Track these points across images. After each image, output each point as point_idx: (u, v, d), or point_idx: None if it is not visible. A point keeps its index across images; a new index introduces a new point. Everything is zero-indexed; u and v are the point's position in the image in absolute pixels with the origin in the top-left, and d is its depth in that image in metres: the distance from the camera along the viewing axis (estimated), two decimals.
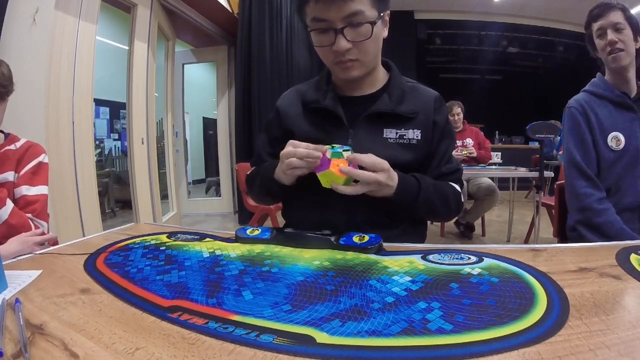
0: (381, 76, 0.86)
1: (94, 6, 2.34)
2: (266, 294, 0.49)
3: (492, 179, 3.05)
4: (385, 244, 0.68)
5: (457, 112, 3.27)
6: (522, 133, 6.09)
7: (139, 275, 0.57)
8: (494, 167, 3.38)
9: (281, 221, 0.98)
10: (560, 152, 4.49)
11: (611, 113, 1.08)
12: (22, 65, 1.86)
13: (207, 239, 0.77)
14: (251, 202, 2.93)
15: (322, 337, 0.38)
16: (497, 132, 6.68)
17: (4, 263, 0.55)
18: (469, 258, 0.60)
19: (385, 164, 0.69)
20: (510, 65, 7.77)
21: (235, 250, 0.69)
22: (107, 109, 4.90)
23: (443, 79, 7.64)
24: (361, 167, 0.68)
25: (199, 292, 0.50)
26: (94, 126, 2.98)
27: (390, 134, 0.81)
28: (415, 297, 0.47)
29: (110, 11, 3.80)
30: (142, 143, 3.00)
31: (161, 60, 3.71)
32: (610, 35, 1.03)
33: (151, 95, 3.11)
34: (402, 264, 0.58)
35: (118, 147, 5.18)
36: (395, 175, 0.72)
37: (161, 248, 0.71)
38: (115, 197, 4.58)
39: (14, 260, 0.68)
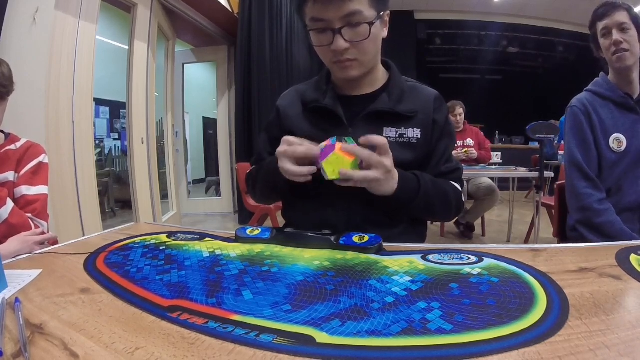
0: (381, 76, 0.86)
1: (94, 6, 2.34)
2: (266, 293, 0.49)
3: (492, 179, 3.05)
4: (385, 244, 0.68)
5: (459, 112, 3.27)
6: (522, 133, 6.09)
7: (138, 275, 0.57)
8: (494, 167, 3.38)
9: (281, 221, 0.98)
10: (561, 152, 4.49)
11: (613, 114, 1.07)
12: (22, 65, 1.86)
13: (207, 239, 0.76)
14: (251, 202, 2.93)
15: (322, 337, 0.38)
16: (497, 132, 6.69)
17: (3, 262, 0.55)
18: (469, 258, 0.60)
19: (389, 151, 0.68)
20: (510, 65, 7.78)
21: (235, 250, 0.69)
22: (107, 109, 4.91)
23: (443, 79, 7.65)
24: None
25: (199, 291, 0.50)
26: (94, 126, 2.98)
27: (390, 132, 0.81)
28: (415, 297, 0.47)
29: (110, 11, 3.80)
30: (142, 143, 3.00)
31: (161, 60, 3.71)
32: (616, 35, 1.02)
33: (151, 95, 3.11)
34: (402, 264, 0.58)
35: (118, 147, 5.18)
36: (396, 173, 0.72)
37: (161, 248, 0.71)
38: (115, 197, 4.58)
39: (13, 259, 0.68)
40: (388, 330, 0.39)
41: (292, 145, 0.69)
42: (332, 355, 0.35)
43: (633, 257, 0.57)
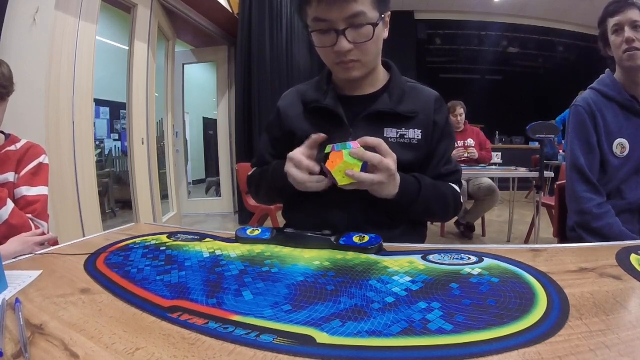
0: (381, 76, 0.86)
1: (94, 6, 2.34)
2: (266, 294, 0.49)
3: (492, 179, 3.05)
4: (385, 244, 0.68)
5: (460, 112, 3.27)
6: (522, 133, 6.09)
7: (139, 275, 0.57)
8: (494, 167, 3.38)
9: (281, 221, 0.98)
10: (562, 152, 4.48)
11: (617, 117, 1.05)
12: (22, 65, 1.86)
13: (207, 239, 0.76)
14: (251, 202, 2.93)
15: (322, 337, 0.38)
16: (497, 132, 6.68)
17: (4, 263, 0.55)
18: (469, 258, 0.60)
19: (391, 152, 0.69)
20: (510, 65, 7.77)
21: (235, 250, 0.69)
22: (107, 109, 4.90)
23: (443, 79, 7.64)
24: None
25: (199, 292, 0.50)
26: (94, 126, 2.98)
27: (390, 133, 0.81)
28: (415, 297, 0.47)
29: (110, 11, 3.80)
30: (142, 143, 3.00)
31: (161, 60, 3.71)
32: (628, 32, 0.99)
33: (151, 95, 3.11)
34: (402, 264, 0.58)
35: (118, 147, 5.17)
36: (398, 176, 0.72)
37: (161, 248, 0.71)
38: (115, 197, 4.58)
39: (14, 260, 0.68)
40: (388, 330, 0.39)
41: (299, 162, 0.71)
42: (332, 355, 0.35)
43: (633, 257, 0.57)
